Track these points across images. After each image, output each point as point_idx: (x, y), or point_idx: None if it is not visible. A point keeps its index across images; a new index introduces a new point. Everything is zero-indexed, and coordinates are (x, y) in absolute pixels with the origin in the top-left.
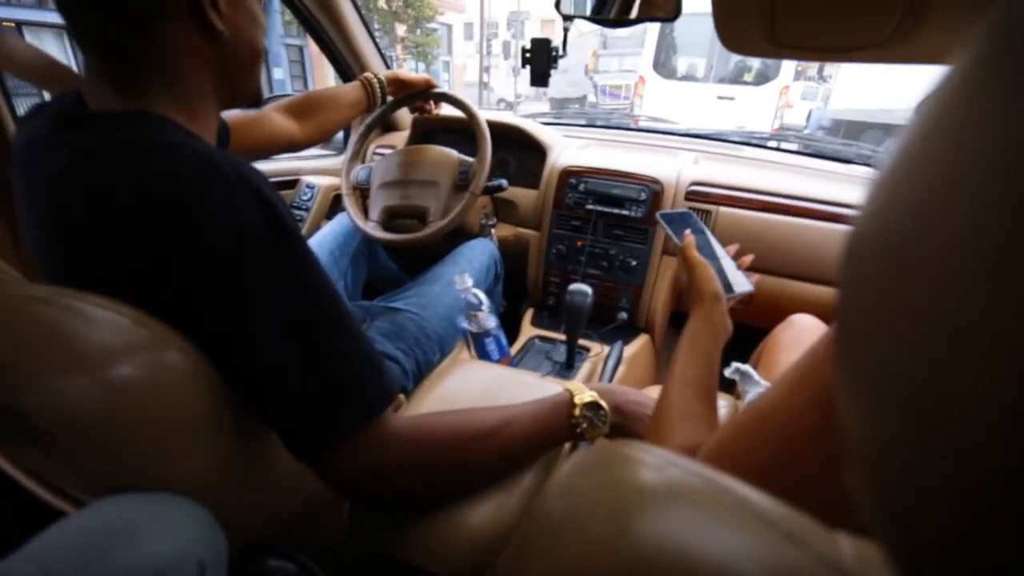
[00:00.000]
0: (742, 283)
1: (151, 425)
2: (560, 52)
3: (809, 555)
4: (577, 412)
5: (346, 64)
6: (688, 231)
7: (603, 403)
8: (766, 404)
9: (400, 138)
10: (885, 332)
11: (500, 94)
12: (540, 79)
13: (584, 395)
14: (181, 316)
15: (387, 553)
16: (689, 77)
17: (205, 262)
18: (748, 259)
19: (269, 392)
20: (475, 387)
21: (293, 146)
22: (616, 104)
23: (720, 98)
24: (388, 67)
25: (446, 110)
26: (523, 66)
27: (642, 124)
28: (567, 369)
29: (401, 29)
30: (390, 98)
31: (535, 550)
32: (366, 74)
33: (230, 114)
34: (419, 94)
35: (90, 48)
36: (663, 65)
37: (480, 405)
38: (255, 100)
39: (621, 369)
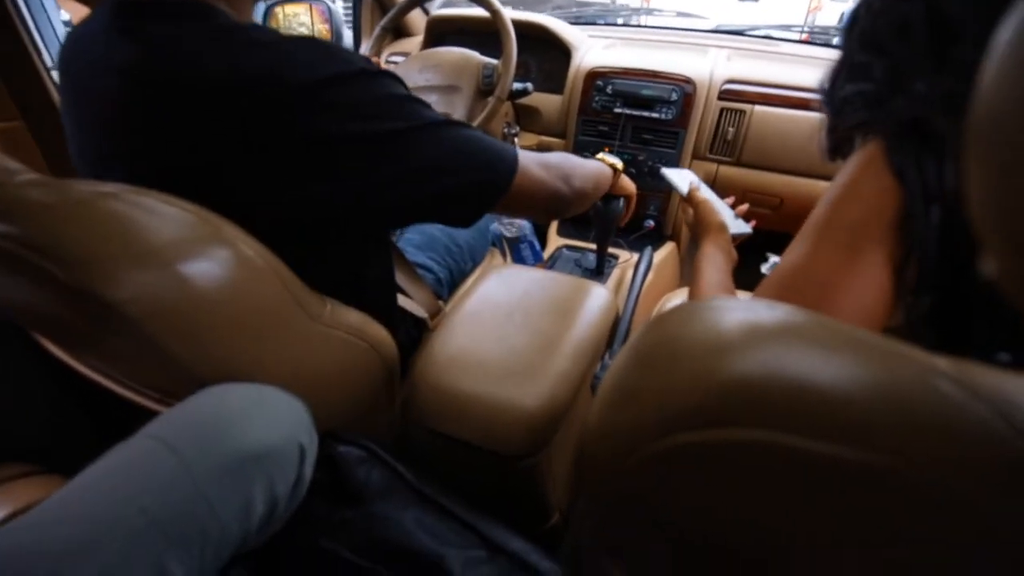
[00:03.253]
0: (741, 226)
1: (226, 316)
2: None
3: (914, 368)
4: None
5: None
6: (691, 181)
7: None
8: (794, 260)
9: (413, 44)
10: None
11: None
12: None
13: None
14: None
15: (443, 435)
16: None
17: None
18: (744, 207)
19: (419, 201)
20: (516, 289)
21: None
22: None
23: (741, 0)
24: None
25: (461, 10)
26: None
27: (669, 21)
28: (597, 275)
29: None
30: None
31: (626, 398)
32: None
33: None
34: None
35: None
36: None
37: (524, 306)
38: None
39: (650, 275)
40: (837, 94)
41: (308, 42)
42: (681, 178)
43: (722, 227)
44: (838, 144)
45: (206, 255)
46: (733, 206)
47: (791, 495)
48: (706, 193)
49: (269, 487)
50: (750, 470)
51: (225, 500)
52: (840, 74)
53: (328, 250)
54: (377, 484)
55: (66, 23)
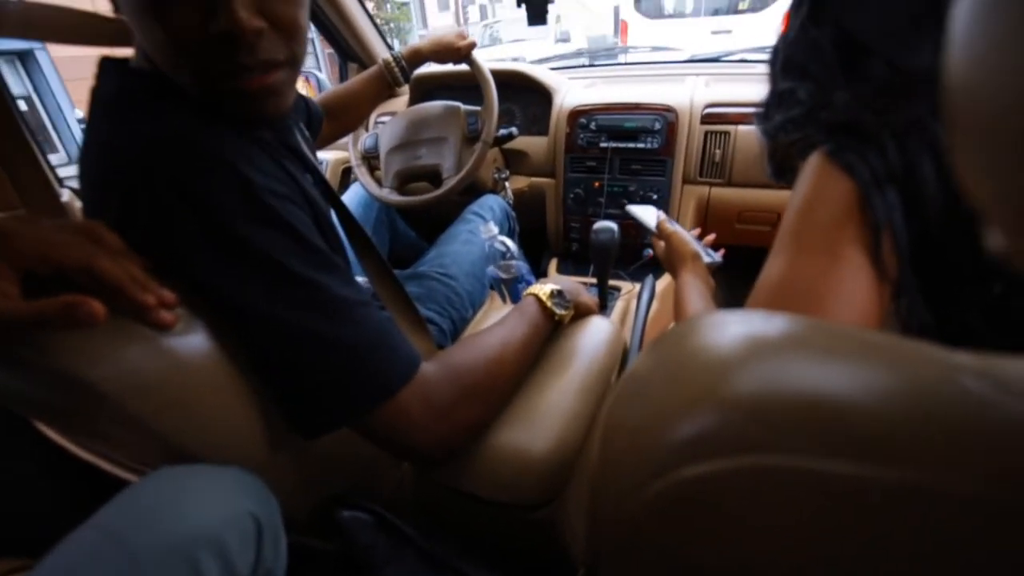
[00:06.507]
0: (710, 255)
1: (214, 385)
2: None
3: (934, 367)
4: (549, 304)
5: (347, 47)
6: (658, 215)
7: (560, 287)
8: (774, 272)
9: (400, 103)
10: None
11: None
12: (538, 17)
13: (544, 288)
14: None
15: (453, 489)
16: (677, 14)
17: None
18: (711, 237)
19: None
20: None
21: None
22: None
23: (715, 33)
24: (390, 47)
25: (444, 66)
26: (519, 5)
27: (645, 56)
28: (601, 310)
29: (370, 5)
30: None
31: (625, 434)
32: (384, 57)
33: None
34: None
35: None
36: (646, 3)
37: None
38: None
39: (654, 304)
40: (771, 124)
41: None
42: (647, 213)
43: (696, 256)
44: (780, 167)
45: (188, 325)
46: (699, 237)
47: (811, 525)
48: (674, 226)
49: (225, 566)
50: (765, 502)
51: None
52: (771, 105)
53: None
54: (384, 550)
55: (80, 121)
